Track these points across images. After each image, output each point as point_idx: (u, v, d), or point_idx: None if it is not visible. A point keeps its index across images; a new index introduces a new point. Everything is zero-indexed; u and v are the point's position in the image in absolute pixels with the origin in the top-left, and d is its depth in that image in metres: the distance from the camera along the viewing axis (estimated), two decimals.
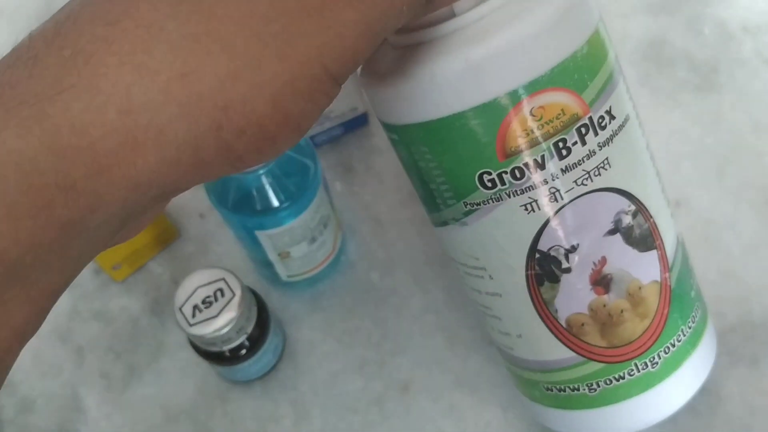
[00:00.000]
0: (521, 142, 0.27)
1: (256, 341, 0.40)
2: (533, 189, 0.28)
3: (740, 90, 0.48)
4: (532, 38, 0.26)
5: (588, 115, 0.28)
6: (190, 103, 0.18)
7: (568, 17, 0.27)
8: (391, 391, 0.42)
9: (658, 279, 0.31)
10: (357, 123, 0.48)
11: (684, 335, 0.32)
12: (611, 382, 0.32)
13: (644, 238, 0.31)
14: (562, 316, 0.31)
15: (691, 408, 0.40)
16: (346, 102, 0.47)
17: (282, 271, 0.42)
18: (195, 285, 0.38)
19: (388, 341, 0.43)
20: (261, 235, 0.38)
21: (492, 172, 0.28)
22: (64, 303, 0.46)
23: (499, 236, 0.30)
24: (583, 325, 0.31)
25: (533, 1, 0.26)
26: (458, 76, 0.26)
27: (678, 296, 0.32)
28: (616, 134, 0.29)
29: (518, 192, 0.28)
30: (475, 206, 0.29)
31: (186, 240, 0.48)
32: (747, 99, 0.48)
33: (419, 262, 0.45)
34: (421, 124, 0.28)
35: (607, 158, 0.28)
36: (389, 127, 0.30)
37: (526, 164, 0.27)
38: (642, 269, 0.31)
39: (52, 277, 0.19)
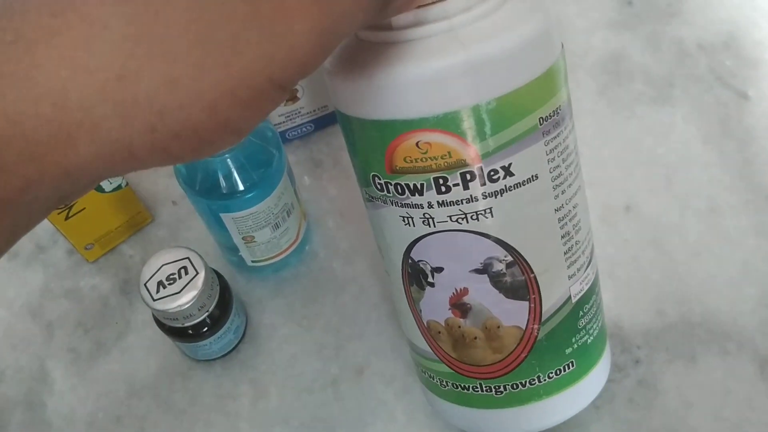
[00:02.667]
0: (405, 165, 0.28)
1: (217, 320, 0.41)
2: (411, 207, 0.29)
3: (693, 104, 0.51)
4: (433, 80, 0.26)
5: (478, 165, 0.27)
6: (125, 104, 0.18)
7: (478, 71, 0.26)
8: (346, 373, 0.44)
9: (523, 327, 0.31)
10: (327, 121, 0.51)
11: (539, 381, 0.33)
12: (457, 387, 0.34)
13: (516, 289, 0.30)
14: (425, 317, 0.33)
15: (629, 399, 0.42)
16: (317, 100, 0.49)
17: (247, 256, 0.44)
18: (160, 263, 0.39)
19: (346, 327, 0.45)
20: (226, 218, 0.40)
21: (381, 178, 0.29)
22: (36, 280, 0.48)
23: (385, 230, 0.31)
24: (439, 332, 0.32)
25: (455, 42, 0.26)
26: (363, 89, 0.27)
27: (544, 348, 0.32)
28: (510, 190, 0.28)
29: (399, 204, 0.29)
30: (371, 198, 0.31)
31: (158, 225, 0.50)
32: (699, 113, 0.51)
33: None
34: (341, 113, 0.30)
35: (490, 208, 0.28)
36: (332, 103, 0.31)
37: (407, 185, 0.28)
38: (505, 313, 0.31)
39: None
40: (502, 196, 0.28)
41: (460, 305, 0.31)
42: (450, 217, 0.28)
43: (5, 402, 0.45)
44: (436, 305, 0.31)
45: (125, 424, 0.44)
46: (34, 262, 0.49)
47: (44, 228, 0.49)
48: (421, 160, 0.27)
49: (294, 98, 0.48)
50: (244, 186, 0.39)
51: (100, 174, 0.20)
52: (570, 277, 0.31)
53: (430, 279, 0.31)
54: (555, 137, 0.29)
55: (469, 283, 0.30)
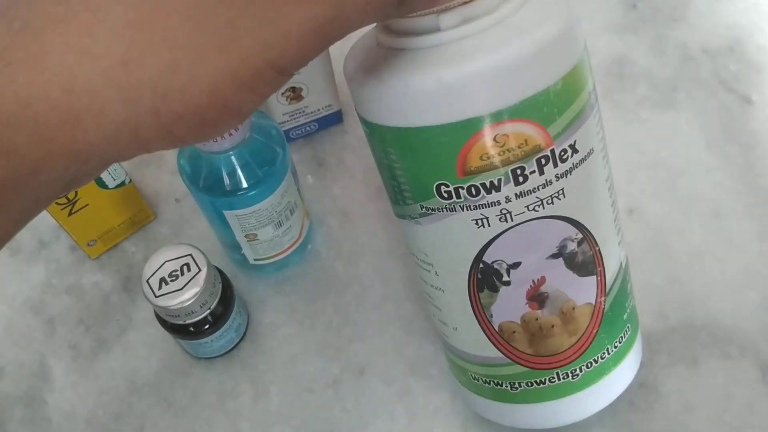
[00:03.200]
0: (481, 164, 0.28)
1: (219, 317, 0.41)
2: (486, 207, 0.29)
3: (696, 108, 0.51)
4: (506, 70, 0.26)
5: (550, 148, 0.28)
6: (130, 88, 0.19)
7: (546, 53, 0.27)
8: (347, 373, 0.44)
9: (593, 302, 0.33)
10: (331, 120, 0.51)
11: (608, 354, 0.34)
12: (532, 384, 0.34)
13: (586, 265, 0.32)
14: (496, 321, 0.33)
15: (630, 402, 0.42)
16: (321, 99, 0.49)
17: (249, 254, 0.44)
18: (163, 259, 0.39)
19: (348, 327, 0.45)
20: (229, 215, 0.40)
21: (450, 185, 0.29)
22: (38, 276, 0.48)
23: (448, 241, 0.31)
24: (514, 332, 0.33)
25: (516, 30, 0.27)
26: (430, 93, 0.27)
27: (609, 319, 0.34)
28: (577, 167, 0.29)
29: (471, 207, 0.29)
30: (430, 211, 0.30)
31: (161, 222, 0.50)
32: (702, 117, 0.51)
33: (382, 254, 0.47)
34: (391, 127, 0.29)
35: (562, 189, 0.29)
36: (363, 121, 0.31)
37: (483, 184, 0.28)
38: (578, 292, 0.32)
39: None
40: (571, 174, 0.29)
41: (537, 296, 0.32)
42: (527, 206, 0.29)
43: (5, 398, 0.45)
44: (511, 304, 0.32)
45: (125, 421, 0.43)
46: (36, 257, 0.49)
47: (47, 224, 0.49)
48: (499, 154, 0.28)
49: (298, 97, 0.48)
50: (247, 183, 0.39)
51: (107, 157, 0.20)
52: (619, 243, 0.34)
53: (505, 278, 0.31)
54: (597, 110, 0.31)
55: (545, 270, 0.31)
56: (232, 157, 0.38)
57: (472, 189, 0.29)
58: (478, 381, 0.36)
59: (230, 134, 0.36)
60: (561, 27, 0.28)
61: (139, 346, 0.46)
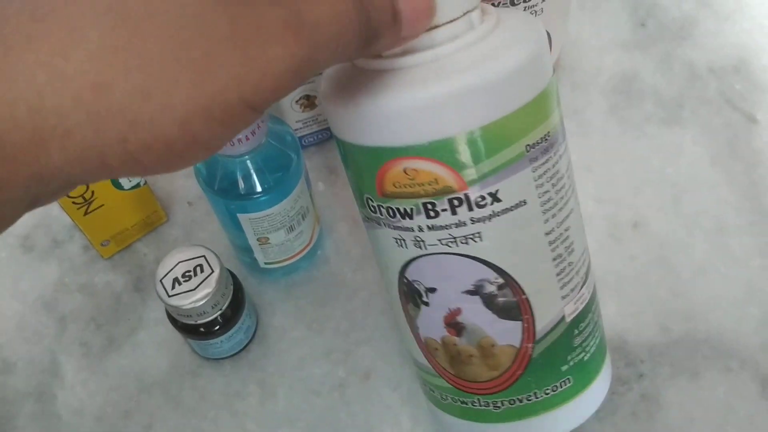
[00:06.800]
0: (394, 190, 0.28)
1: (229, 319, 0.42)
2: (402, 230, 0.29)
3: (702, 126, 0.52)
4: (417, 110, 0.26)
5: (464, 192, 0.27)
6: (99, 113, 0.18)
7: (462, 101, 0.26)
8: (353, 377, 0.45)
9: (517, 345, 0.31)
10: None
11: (536, 397, 0.33)
12: (457, 401, 0.34)
13: (508, 309, 0.30)
14: (422, 335, 0.33)
15: (632, 413, 0.42)
16: None
17: (260, 258, 0.45)
18: (176, 260, 0.40)
19: (355, 332, 0.46)
20: (242, 218, 0.41)
21: (373, 200, 0.30)
22: (51, 274, 0.49)
23: (381, 250, 0.32)
24: (436, 349, 0.33)
25: (441, 71, 0.26)
26: (349, 116, 0.28)
27: (539, 365, 0.32)
28: (498, 215, 0.28)
29: (391, 226, 0.30)
30: (366, 218, 0.32)
31: (173, 225, 0.50)
32: (707, 134, 0.51)
33: None
34: (335, 136, 0.30)
35: (479, 232, 0.28)
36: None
37: (397, 209, 0.29)
38: (499, 332, 0.31)
39: None
40: (490, 221, 0.28)
41: (454, 324, 0.31)
42: (440, 240, 0.29)
43: (16, 393, 0.45)
44: (431, 324, 0.32)
45: (134, 419, 0.44)
46: (49, 256, 0.50)
47: (61, 223, 0.50)
48: (410, 186, 0.28)
49: (312, 105, 0.49)
50: (262, 188, 0.40)
51: (71, 180, 0.20)
52: (563, 298, 0.31)
53: (424, 298, 0.31)
54: (544, 163, 0.28)
55: (461, 303, 0.30)
56: (248, 161, 0.39)
57: (390, 210, 0.29)
58: (421, 381, 0.37)
59: (246, 138, 0.37)
60: (490, 77, 0.26)
61: (148, 346, 0.46)
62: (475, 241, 0.28)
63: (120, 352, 0.46)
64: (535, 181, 0.28)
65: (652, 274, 0.47)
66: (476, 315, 0.30)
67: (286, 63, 0.20)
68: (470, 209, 0.28)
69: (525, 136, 0.27)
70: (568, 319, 0.32)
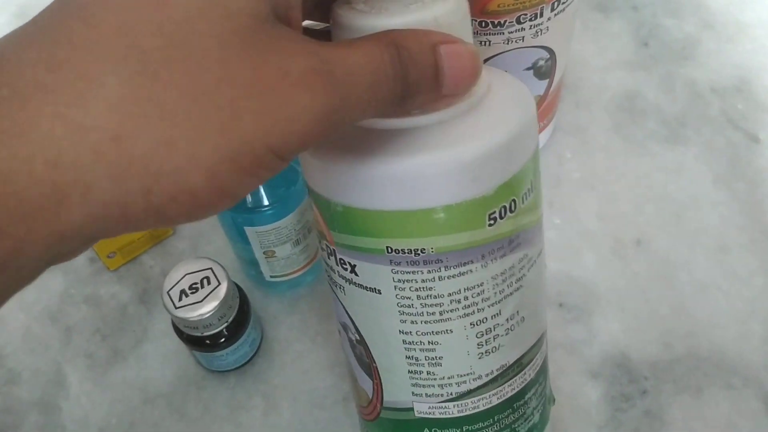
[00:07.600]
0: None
1: (235, 331, 0.42)
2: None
3: (704, 145, 0.52)
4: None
5: (332, 246, 0.28)
6: (120, 165, 0.18)
7: (328, 175, 0.26)
8: None
9: (370, 396, 0.32)
10: None
11: None
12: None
13: (364, 364, 0.31)
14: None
15: (635, 429, 0.43)
16: None
17: (266, 271, 0.45)
18: (184, 272, 0.41)
19: None
20: (249, 231, 0.41)
21: None
22: (57, 285, 0.49)
23: None
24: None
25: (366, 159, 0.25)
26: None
27: (388, 426, 0.32)
28: (354, 285, 0.28)
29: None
30: None
31: (179, 237, 0.51)
32: (710, 153, 0.52)
33: None
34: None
35: (342, 287, 0.29)
36: None
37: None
38: (360, 375, 0.32)
39: None
40: (349, 285, 0.28)
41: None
42: (329, 277, 0.30)
43: (21, 403, 0.45)
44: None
45: (138, 430, 0.44)
46: (55, 267, 0.50)
47: None
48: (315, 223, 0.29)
49: None
50: (269, 201, 0.40)
51: (92, 235, 0.19)
52: (414, 394, 0.30)
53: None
54: (410, 273, 0.26)
55: (342, 333, 0.32)
56: None
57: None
58: None
59: None
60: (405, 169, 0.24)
61: (153, 358, 0.47)
62: (341, 291, 0.29)
63: (125, 363, 0.46)
64: (395, 282, 0.27)
65: (655, 291, 0.47)
66: (347, 349, 0.32)
67: (314, 112, 0.19)
68: (336, 264, 0.28)
69: (389, 238, 0.26)
70: (417, 416, 0.31)
